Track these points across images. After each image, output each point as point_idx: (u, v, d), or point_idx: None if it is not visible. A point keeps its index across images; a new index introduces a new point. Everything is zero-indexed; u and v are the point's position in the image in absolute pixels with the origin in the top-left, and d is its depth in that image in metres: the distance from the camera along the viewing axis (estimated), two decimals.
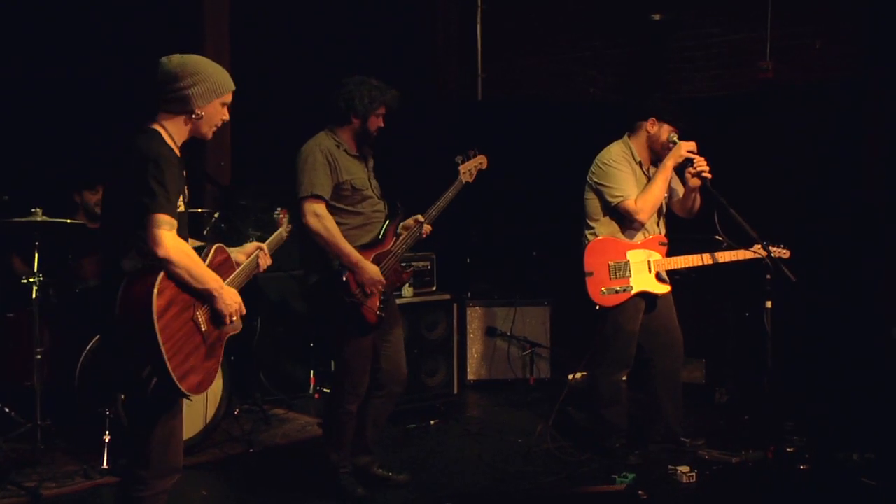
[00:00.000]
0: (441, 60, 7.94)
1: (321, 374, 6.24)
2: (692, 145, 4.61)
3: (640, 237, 4.73)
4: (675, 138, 4.65)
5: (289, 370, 6.35)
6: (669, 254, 4.73)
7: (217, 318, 3.00)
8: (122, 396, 4.05)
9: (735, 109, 6.52)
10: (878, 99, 5.90)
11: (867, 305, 5.88)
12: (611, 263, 4.62)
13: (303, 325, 6.22)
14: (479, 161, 4.46)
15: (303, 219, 4.02)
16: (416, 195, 4.44)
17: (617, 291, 4.63)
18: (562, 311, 6.61)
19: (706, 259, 4.72)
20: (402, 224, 4.29)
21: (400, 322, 4.47)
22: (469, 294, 6.68)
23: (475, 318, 6.56)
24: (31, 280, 4.58)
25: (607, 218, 4.72)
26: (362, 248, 4.11)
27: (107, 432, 4.48)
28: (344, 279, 4.02)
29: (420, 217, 4.29)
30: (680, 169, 4.68)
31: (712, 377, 6.06)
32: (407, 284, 5.52)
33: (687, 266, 4.74)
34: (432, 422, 5.62)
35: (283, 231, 3.64)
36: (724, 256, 4.71)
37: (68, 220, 4.74)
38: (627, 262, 4.65)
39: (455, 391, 6.02)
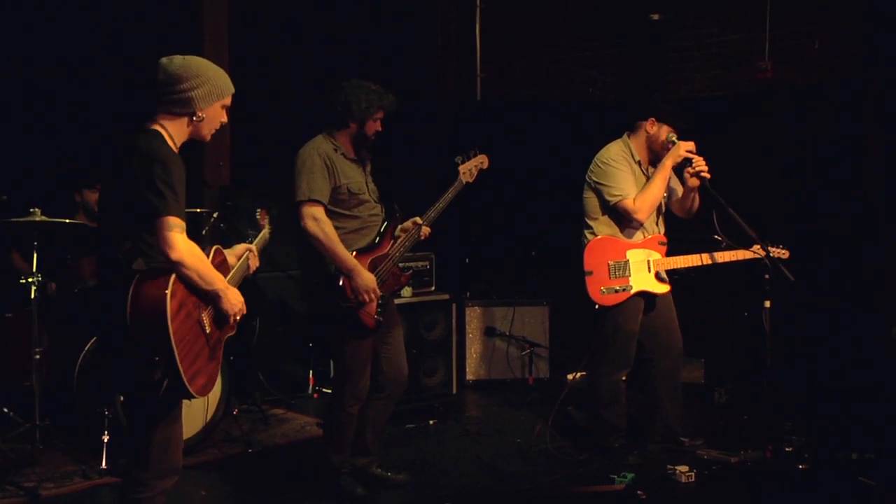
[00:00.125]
0: (440, 60, 7.95)
1: (320, 374, 6.24)
2: (691, 145, 4.61)
3: (639, 237, 4.73)
4: (673, 138, 4.65)
5: (288, 370, 6.35)
6: (669, 253, 4.74)
7: (220, 319, 3.00)
8: (122, 398, 4.05)
9: (734, 109, 6.52)
10: (878, 99, 5.90)
11: (867, 305, 5.88)
12: (610, 263, 4.63)
13: (302, 326, 6.23)
14: (480, 161, 4.45)
15: (301, 223, 4.02)
16: (415, 196, 4.44)
17: (616, 291, 4.63)
18: (561, 310, 6.61)
19: (705, 259, 4.72)
20: (400, 227, 4.28)
21: (400, 324, 4.46)
22: (468, 294, 6.69)
23: (474, 317, 6.56)
24: (30, 280, 4.57)
25: (606, 217, 4.72)
26: (359, 253, 4.10)
27: (106, 432, 4.47)
28: (340, 284, 4.01)
29: (418, 219, 4.28)
30: (679, 169, 4.69)
31: (711, 377, 6.06)
32: (406, 285, 5.52)
33: (686, 266, 4.74)
34: (431, 422, 5.62)
35: (266, 232, 3.65)
36: (724, 256, 4.71)
37: (67, 220, 4.74)
38: (627, 262, 4.65)
39: (454, 391, 6.02)
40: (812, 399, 5.63)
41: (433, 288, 5.92)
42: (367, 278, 4.03)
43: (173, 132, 2.98)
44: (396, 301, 4.55)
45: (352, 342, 4.14)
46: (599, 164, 4.74)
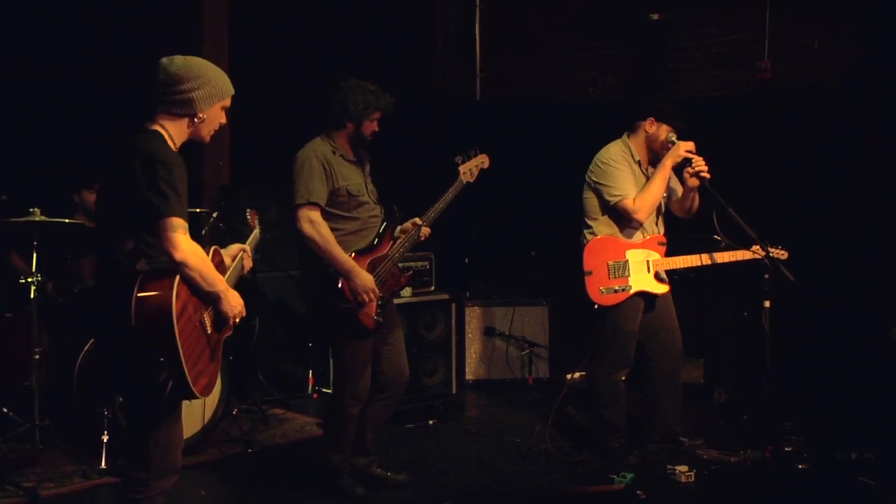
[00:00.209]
0: (440, 60, 7.95)
1: (320, 374, 6.25)
2: (691, 145, 4.61)
3: (638, 237, 4.73)
4: (673, 138, 4.65)
5: (287, 370, 6.35)
6: (668, 254, 4.74)
7: (220, 320, 3.00)
8: (120, 398, 4.05)
9: (734, 109, 6.52)
10: (878, 99, 5.90)
11: (867, 305, 5.88)
12: (610, 263, 4.62)
13: (302, 326, 6.22)
14: (481, 160, 4.44)
15: (297, 225, 4.02)
16: (415, 196, 4.43)
17: (616, 291, 4.63)
18: (560, 310, 6.61)
19: (705, 259, 4.72)
20: (399, 228, 4.28)
21: (400, 324, 4.46)
22: (468, 294, 6.69)
23: (474, 317, 6.56)
24: (30, 280, 4.57)
25: (606, 217, 4.72)
26: (358, 254, 4.10)
27: (105, 432, 4.48)
28: (339, 286, 4.01)
29: (418, 220, 4.27)
30: (679, 169, 4.69)
31: (711, 377, 6.06)
32: (406, 285, 5.52)
33: (686, 266, 4.74)
34: (431, 422, 5.62)
35: (257, 233, 3.64)
36: (723, 256, 4.71)
37: (66, 220, 4.74)
38: (626, 262, 4.65)
39: (454, 391, 6.02)
40: (812, 399, 5.63)
41: (433, 288, 5.92)
42: (365, 279, 4.03)
43: (173, 133, 2.98)
44: (396, 301, 4.54)
45: (352, 343, 4.14)
46: (599, 164, 4.74)
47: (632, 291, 4.65)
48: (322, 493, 4.28)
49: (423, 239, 4.30)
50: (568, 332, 6.49)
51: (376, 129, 4.19)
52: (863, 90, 5.97)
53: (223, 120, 3.12)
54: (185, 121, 2.99)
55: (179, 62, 2.98)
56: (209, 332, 2.96)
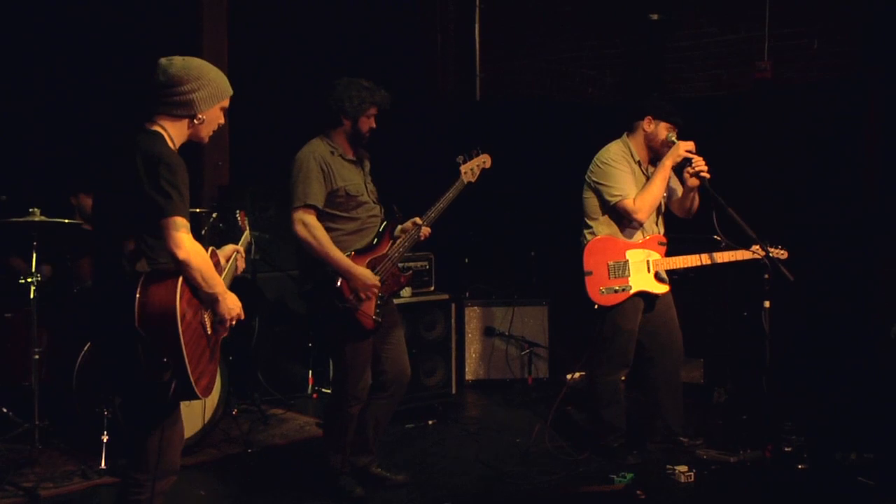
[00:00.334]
0: (439, 60, 7.95)
1: (319, 374, 6.25)
2: (690, 145, 4.61)
3: (638, 237, 4.73)
4: (673, 138, 4.65)
5: (287, 370, 6.35)
6: (668, 254, 4.74)
7: (218, 321, 3.00)
8: (119, 400, 4.05)
9: (733, 109, 6.52)
10: (876, 99, 5.90)
11: (867, 305, 5.88)
12: (610, 263, 4.62)
13: (301, 326, 6.22)
14: (483, 160, 4.43)
15: (292, 228, 4.03)
16: (415, 196, 4.43)
17: (616, 291, 4.63)
18: (560, 310, 6.61)
19: (705, 259, 4.72)
20: (399, 227, 4.27)
21: (401, 323, 4.46)
22: (467, 294, 6.69)
23: (473, 317, 6.56)
24: (29, 280, 4.57)
25: (606, 217, 4.72)
26: (357, 254, 4.10)
27: (105, 432, 4.47)
28: (337, 285, 4.01)
29: (418, 220, 4.27)
30: (678, 169, 4.69)
31: (711, 377, 6.06)
32: (406, 285, 5.51)
33: (685, 266, 4.74)
34: (430, 422, 5.62)
35: (247, 234, 3.64)
36: (723, 256, 4.71)
37: (66, 220, 4.73)
38: (626, 262, 4.65)
39: (453, 391, 6.01)
40: (811, 399, 5.63)
41: (433, 288, 5.91)
42: (364, 275, 4.03)
43: (173, 134, 2.97)
44: (396, 301, 4.54)
45: (351, 343, 4.14)
46: (599, 164, 4.74)
47: (632, 291, 4.65)
48: (322, 493, 4.28)
49: (423, 239, 4.29)
50: (568, 332, 6.48)
51: (374, 125, 4.18)
52: (861, 90, 5.97)
53: (222, 121, 3.12)
54: (185, 122, 2.99)
55: (179, 63, 2.97)
56: (209, 332, 2.97)
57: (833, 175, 6.05)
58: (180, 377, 2.78)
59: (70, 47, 5.65)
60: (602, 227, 4.72)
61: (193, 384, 2.80)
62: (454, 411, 5.88)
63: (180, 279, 2.79)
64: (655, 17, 6.92)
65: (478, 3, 8.11)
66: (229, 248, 3.32)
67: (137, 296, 2.74)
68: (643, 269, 4.68)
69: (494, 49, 8.09)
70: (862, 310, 5.87)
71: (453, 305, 6.01)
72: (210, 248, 3.11)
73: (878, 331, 5.59)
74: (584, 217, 4.80)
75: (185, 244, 2.77)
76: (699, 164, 4.58)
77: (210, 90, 2.99)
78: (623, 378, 4.83)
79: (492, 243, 7.20)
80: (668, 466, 4.56)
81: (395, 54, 7.16)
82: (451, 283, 6.22)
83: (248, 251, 3.56)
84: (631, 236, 4.72)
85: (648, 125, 4.72)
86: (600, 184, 4.70)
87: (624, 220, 4.69)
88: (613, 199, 4.65)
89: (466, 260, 7.15)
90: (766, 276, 4.54)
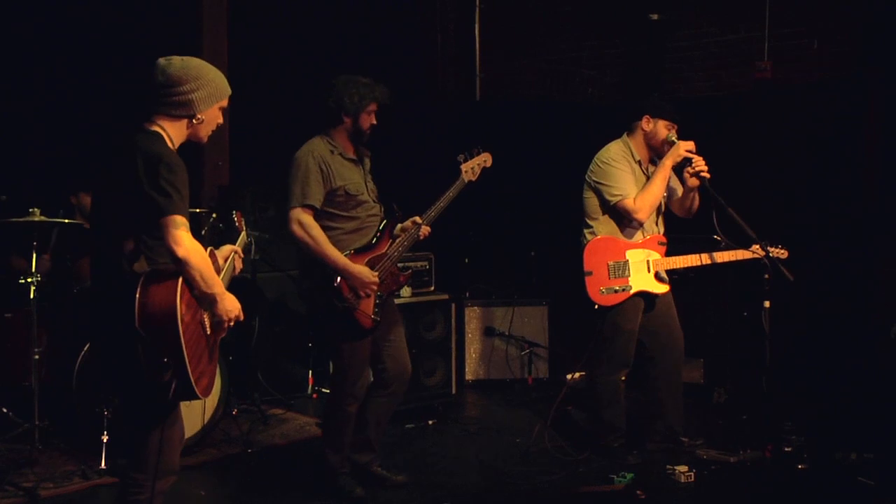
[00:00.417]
0: (439, 60, 7.94)
1: (319, 373, 6.24)
2: (691, 145, 4.61)
3: (638, 236, 4.73)
4: (673, 138, 4.65)
5: (287, 370, 6.35)
6: (668, 253, 4.74)
7: (216, 322, 3.00)
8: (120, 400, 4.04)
9: (733, 109, 6.53)
10: (876, 99, 5.90)
11: (867, 305, 5.88)
12: (610, 263, 4.62)
13: (301, 325, 6.22)
14: (484, 159, 4.42)
15: (289, 227, 4.03)
16: (414, 196, 4.42)
17: (616, 291, 4.63)
18: (560, 310, 6.60)
19: (705, 259, 4.72)
20: (399, 226, 4.27)
21: (401, 321, 4.45)
22: (467, 294, 6.69)
23: (473, 317, 6.56)
24: (29, 280, 4.57)
25: (606, 217, 4.72)
26: (356, 253, 4.09)
27: (105, 432, 4.47)
28: (336, 284, 4.01)
29: (418, 219, 4.26)
30: (679, 168, 4.69)
31: (711, 377, 6.06)
32: (405, 285, 5.51)
33: (685, 266, 4.74)
34: (430, 422, 5.62)
35: (244, 235, 3.64)
36: (723, 256, 4.71)
37: (66, 221, 4.73)
38: (626, 262, 4.65)
39: (453, 391, 6.01)
40: (811, 399, 5.63)
41: (432, 288, 5.91)
42: (362, 273, 4.02)
43: (172, 134, 2.97)
44: (396, 301, 4.54)
45: (349, 342, 4.14)
46: (599, 164, 4.74)
47: (632, 291, 4.65)
48: (321, 493, 4.28)
49: (422, 238, 4.29)
50: (568, 332, 6.48)
51: (374, 122, 4.18)
52: (861, 90, 5.97)
53: (220, 120, 3.11)
54: (184, 122, 2.99)
55: (178, 63, 2.97)
56: (208, 332, 2.96)
57: (833, 175, 6.05)
58: (180, 377, 2.77)
59: (70, 47, 5.65)
60: (602, 227, 4.71)
61: (194, 384, 2.80)
62: (454, 411, 5.88)
63: (180, 279, 2.78)
64: (655, 17, 6.92)
65: (478, 3, 8.10)
66: (227, 248, 3.32)
67: (137, 296, 2.74)
68: (643, 269, 4.68)
69: (494, 49, 8.09)
70: (862, 310, 5.87)
71: (453, 305, 6.01)
72: (209, 249, 3.10)
73: (878, 331, 5.60)
74: (584, 217, 4.80)
75: (185, 242, 2.76)
76: (699, 163, 4.58)
77: (209, 90, 2.99)
78: (623, 378, 4.83)
79: (492, 243, 7.20)
80: (668, 466, 4.55)
81: (394, 54, 7.15)
82: (451, 283, 6.23)
83: (246, 251, 3.56)
84: (631, 236, 4.72)
85: (647, 124, 4.73)
86: (600, 183, 4.70)
87: (624, 219, 4.69)
88: (614, 199, 4.65)
89: (466, 260, 7.14)
90: (766, 276, 4.54)
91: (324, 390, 6.16)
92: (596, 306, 4.64)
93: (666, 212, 4.91)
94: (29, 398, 4.57)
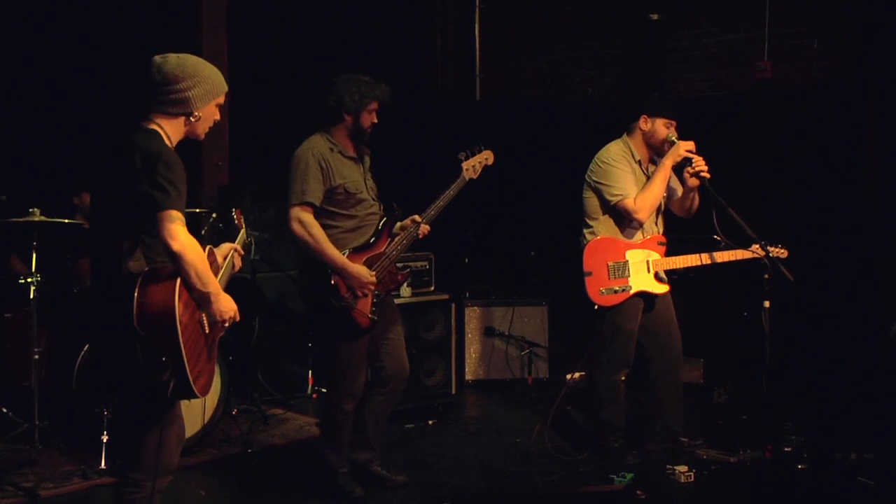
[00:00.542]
0: (439, 60, 7.94)
1: (319, 373, 6.24)
2: (691, 145, 4.61)
3: (638, 237, 4.73)
4: (673, 137, 4.65)
5: (287, 370, 6.35)
6: (668, 253, 4.73)
7: (213, 321, 3.00)
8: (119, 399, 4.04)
9: (733, 109, 6.53)
10: (876, 98, 5.90)
11: (866, 305, 5.88)
12: (610, 263, 4.62)
13: (301, 325, 6.22)
14: (485, 157, 4.41)
15: (289, 225, 4.02)
16: (414, 196, 4.42)
17: (616, 291, 4.63)
18: (560, 310, 6.60)
19: (704, 259, 4.72)
20: (399, 224, 4.27)
21: (399, 320, 4.45)
22: (467, 294, 6.69)
23: (473, 317, 6.56)
24: (30, 280, 4.57)
25: (606, 217, 4.72)
26: (354, 252, 4.09)
27: (104, 433, 4.47)
28: (333, 283, 4.01)
29: (417, 217, 4.26)
30: (678, 168, 4.69)
31: (710, 377, 6.06)
32: (405, 284, 5.51)
33: (685, 266, 4.74)
34: (430, 422, 5.62)
35: (243, 233, 3.64)
36: (723, 256, 4.71)
37: (66, 221, 4.73)
38: (626, 262, 4.64)
39: (453, 391, 6.01)
40: (811, 399, 5.63)
41: (432, 288, 5.91)
42: (359, 272, 4.02)
43: (170, 132, 2.97)
44: (396, 301, 4.54)
45: (345, 343, 4.13)
46: (599, 164, 4.74)
47: (632, 292, 4.65)
48: (321, 493, 4.28)
49: (421, 237, 4.28)
50: (567, 332, 6.48)
51: (375, 120, 4.17)
52: (860, 90, 5.97)
53: (217, 117, 3.11)
54: (182, 119, 2.99)
55: (174, 61, 2.96)
56: (206, 331, 2.96)
57: (833, 175, 6.05)
58: (179, 376, 2.78)
59: (70, 47, 5.65)
60: (602, 227, 4.71)
61: (192, 383, 2.80)
62: (454, 411, 5.88)
63: (178, 279, 2.78)
64: (655, 17, 6.93)
65: (478, 3, 8.10)
66: (226, 246, 3.31)
67: (136, 296, 2.74)
68: (643, 269, 4.67)
69: (494, 49, 8.09)
70: (862, 310, 5.87)
71: (453, 305, 6.00)
72: (207, 248, 3.10)
73: (878, 331, 5.59)
74: (584, 217, 4.80)
75: (180, 236, 2.76)
76: (699, 163, 4.58)
77: (205, 87, 2.99)
78: (623, 378, 4.83)
79: (492, 243, 7.20)
80: (668, 466, 4.55)
81: (394, 54, 7.15)
82: (451, 283, 6.22)
83: (246, 250, 3.56)
84: (631, 236, 4.72)
85: (645, 123, 4.73)
86: (601, 183, 4.69)
87: (624, 219, 4.69)
88: (614, 199, 4.65)
89: (466, 260, 7.14)
90: (766, 276, 4.54)
91: (323, 390, 6.15)
92: (596, 307, 4.63)
93: (666, 212, 4.91)
94: (29, 398, 4.58)
